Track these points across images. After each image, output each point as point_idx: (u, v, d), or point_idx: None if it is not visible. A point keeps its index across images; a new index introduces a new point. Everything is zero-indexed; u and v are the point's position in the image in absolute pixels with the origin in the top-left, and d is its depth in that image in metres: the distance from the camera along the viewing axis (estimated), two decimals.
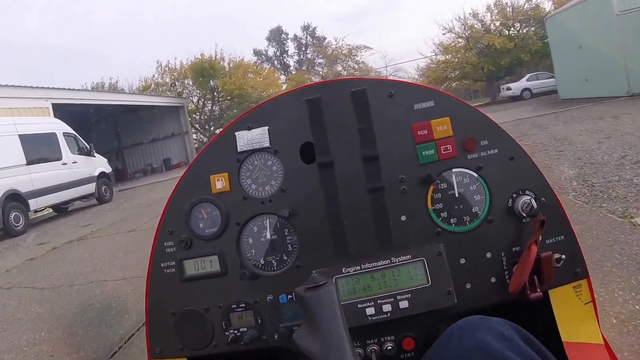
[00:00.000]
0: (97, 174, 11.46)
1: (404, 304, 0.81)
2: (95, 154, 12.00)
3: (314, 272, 0.76)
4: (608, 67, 11.97)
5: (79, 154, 11.20)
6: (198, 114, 30.93)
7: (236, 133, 0.91)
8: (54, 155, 10.30)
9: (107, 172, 12.22)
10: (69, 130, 11.22)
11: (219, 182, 0.90)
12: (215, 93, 30.36)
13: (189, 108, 28.31)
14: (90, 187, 11.11)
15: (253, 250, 0.90)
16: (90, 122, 22.06)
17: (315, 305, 0.53)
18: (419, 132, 0.86)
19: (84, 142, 11.61)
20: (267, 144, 0.90)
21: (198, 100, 31.07)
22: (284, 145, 0.90)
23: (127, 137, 24.80)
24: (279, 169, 0.90)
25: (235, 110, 29.11)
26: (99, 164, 11.97)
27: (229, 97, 30.01)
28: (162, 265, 0.92)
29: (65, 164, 10.49)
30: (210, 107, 31.64)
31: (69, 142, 10.90)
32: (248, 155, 0.91)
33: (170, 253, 0.92)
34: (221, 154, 0.92)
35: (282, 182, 0.90)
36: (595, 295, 0.84)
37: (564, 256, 0.80)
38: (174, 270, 0.91)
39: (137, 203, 10.04)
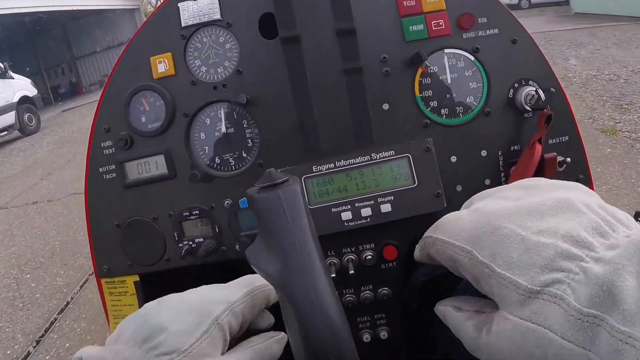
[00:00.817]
0: (16, 100, 9.62)
1: (385, 208, 0.70)
2: (14, 75, 10.02)
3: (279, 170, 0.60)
4: None
5: None
6: None
7: (179, 4, 0.75)
8: None
9: (31, 95, 10.34)
10: None
11: (161, 65, 0.75)
12: None
13: (147, 10, 24.83)
14: (9, 118, 9.40)
15: (206, 147, 0.77)
16: (34, 34, 19.31)
17: (272, 211, 0.38)
18: (405, 2, 0.73)
19: None
20: (217, 15, 0.75)
21: (157, 1, 27.13)
22: (239, 17, 0.75)
23: (79, 47, 22.27)
24: (233, 46, 0.75)
25: None
26: (20, 87, 10.08)
27: None
28: (100, 170, 0.78)
29: None
30: None
31: None
32: (195, 30, 0.76)
33: (109, 155, 0.78)
34: (162, 31, 0.76)
35: (238, 62, 0.75)
36: None
37: (569, 159, 0.71)
38: (114, 175, 0.78)
39: (59, 137, 8.55)
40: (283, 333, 0.44)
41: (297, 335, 0.35)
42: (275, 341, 0.43)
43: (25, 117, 9.88)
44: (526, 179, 0.42)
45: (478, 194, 0.44)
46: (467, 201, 0.44)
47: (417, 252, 0.47)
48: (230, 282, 0.46)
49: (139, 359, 0.35)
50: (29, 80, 10.91)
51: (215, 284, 0.45)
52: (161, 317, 0.38)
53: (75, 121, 10.22)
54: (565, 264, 0.31)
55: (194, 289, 0.44)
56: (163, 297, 0.41)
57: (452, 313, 0.41)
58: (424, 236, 0.45)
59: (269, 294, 0.45)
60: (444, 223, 0.42)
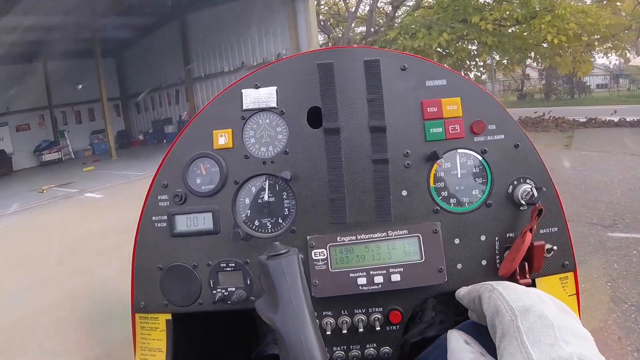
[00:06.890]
0: None
1: (395, 277, 0.83)
2: None
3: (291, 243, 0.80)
4: None
5: None
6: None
7: (243, 90, 0.92)
8: None
9: None
10: None
11: (222, 138, 0.91)
12: None
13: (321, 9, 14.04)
14: None
15: (249, 211, 0.91)
16: (144, 24, 10.71)
17: (276, 274, 0.54)
18: (428, 109, 0.87)
19: None
20: (273, 104, 0.90)
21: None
22: (291, 107, 0.90)
23: (201, 58, 12.87)
24: (283, 130, 0.91)
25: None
26: None
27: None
28: (153, 218, 0.92)
29: None
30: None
31: None
32: (253, 113, 0.91)
33: (163, 207, 0.92)
34: (226, 110, 0.92)
35: (286, 144, 0.90)
36: (579, 289, 0.85)
37: (555, 247, 0.84)
38: (164, 224, 0.91)
39: None
40: None
41: None
42: None
43: None
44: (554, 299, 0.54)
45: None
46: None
47: (464, 292, 0.62)
48: None
49: None
50: None
51: None
52: None
53: None
54: None
55: None
56: None
57: (460, 343, 0.54)
58: (483, 283, 0.58)
59: None
60: (507, 283, 0.55)
